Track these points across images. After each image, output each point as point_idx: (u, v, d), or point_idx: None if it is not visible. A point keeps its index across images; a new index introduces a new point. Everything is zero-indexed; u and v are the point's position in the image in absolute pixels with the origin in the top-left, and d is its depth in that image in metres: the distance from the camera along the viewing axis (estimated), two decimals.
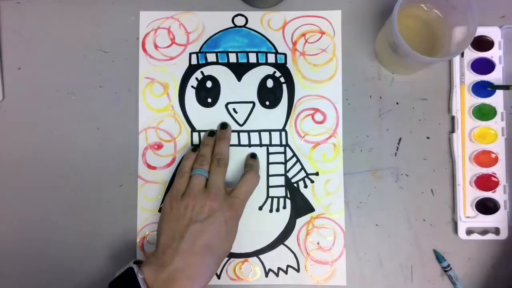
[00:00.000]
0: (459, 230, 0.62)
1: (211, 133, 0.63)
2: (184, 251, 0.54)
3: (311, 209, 0.63)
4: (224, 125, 0.63)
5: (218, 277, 0.63)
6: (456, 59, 0.63)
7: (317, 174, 0.64)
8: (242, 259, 0.63)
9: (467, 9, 0.54)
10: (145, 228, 0.63)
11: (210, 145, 0.62)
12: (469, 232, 0.62)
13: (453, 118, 0.63)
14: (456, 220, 0.62)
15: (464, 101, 0.62)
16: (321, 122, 0.64)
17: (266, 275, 0.63)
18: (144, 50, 0.64)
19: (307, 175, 0.64)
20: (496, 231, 0.62)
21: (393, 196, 0.63)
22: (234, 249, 0.62)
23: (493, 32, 0.62)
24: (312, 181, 0.64)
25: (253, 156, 0.63)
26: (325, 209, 0.63)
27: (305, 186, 0.64)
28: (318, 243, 0.63)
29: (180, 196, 0.58)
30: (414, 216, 0.63)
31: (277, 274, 0.63)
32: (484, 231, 0.62)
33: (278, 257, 0.63)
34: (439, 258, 0.62)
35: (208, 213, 0.56)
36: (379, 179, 0.63)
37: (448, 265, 0.61)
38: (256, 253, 0.63)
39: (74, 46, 0.65)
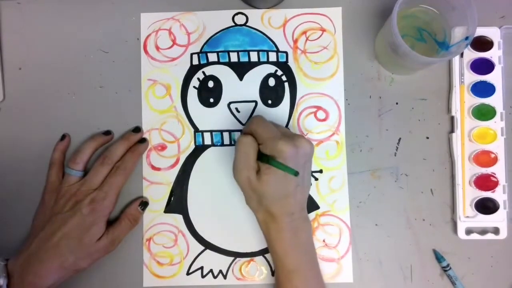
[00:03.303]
0: (459, 229, 0.62)
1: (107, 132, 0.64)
2: (42, 238, 0.57)
3: (316, 206, 0.64)
4: (137, 129, 0.64)
5: (225, 277, 0.63)
6: (456, 59, 0.63)
7: (321, 171, 0.64)
8: (248, 259, 0.63)
9: (466, 9, 0.54)
10: (151, 229, 0.64)
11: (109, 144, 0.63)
12: (468, 231, 0.62)
13: (452, 118, 0.63)
14: (455, 220, 0.62)
15: (463, 101, 0.62)
16: (323, 120, 0.64)
17: (273, 274, 0.63)
18: (146, 51, 0.64)
19: (311, 172, 0.64)
20: (496, 230, 0.62)
21: (393, 196, 0.64)
22: (240, 249, 0.63)
23: (492, 32, 0.63)
24: (316, 179, 0.64)
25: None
26: (330, 207, 0.64)
27: None
28: (323, 241, 0.63)
29: (54, 189, 0.61)
30: (413, 216, 0.63)
31: None
32: (483, 231, 0.62)
33: None
34: (438, 257, 0.62)
35: (71, 206, 0.58)
36: (378, 179, 0.64)
37: (448, 265, 0.62)
38: (262, 252, 0.63)
39: (74, 46, 0.65)
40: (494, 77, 0.62)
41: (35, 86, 0.65)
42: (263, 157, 0.54)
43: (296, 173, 0.54)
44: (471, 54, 0.63)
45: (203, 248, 0.63)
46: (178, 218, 0.64)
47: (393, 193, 0.64)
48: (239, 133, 0.64)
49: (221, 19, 0.65)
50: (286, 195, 0.54)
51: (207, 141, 0.64)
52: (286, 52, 0.65)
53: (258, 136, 0.55)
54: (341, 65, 0.64)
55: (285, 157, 0.53)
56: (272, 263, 0.63)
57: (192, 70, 0.64)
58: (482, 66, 0.62)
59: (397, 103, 0.64)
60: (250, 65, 0.64)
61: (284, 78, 0.64)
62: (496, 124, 0.62)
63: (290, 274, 0.55)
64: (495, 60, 0.62)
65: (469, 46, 0.60)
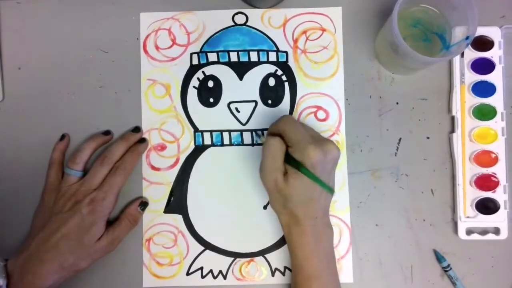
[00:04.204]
0: (459, 230, 0.62)
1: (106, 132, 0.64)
2: (41, 239, 0.57)
3: None
4: (136, 129, 0.64)
5: (225, 277, 0.63)
6: (456, 59, 0.63)
7: None
8: (248, 259, 0.63)
9: (467, 9, 0.54)
10: (151, 229, 0.63)
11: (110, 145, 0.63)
12: (469, 232, 0.62)
13: (453, 118, 0.63)
14: (456, 220, 0.62)
15: (464, 101, 0.62)
16: (323, 120, 0.64)
17: (273, 275, 0.63)
18: (145, 51, 0.64)
19: None
20: (496, 231, 0.62)
21: (393, 196, 0.63)
22: (240, 249, 0.63)
23: (493, 32, 0.63)
24: None
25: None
26: (330, 207, 0.63)
27: None
28: None
29: (53, 189, 0.61)
30: (414, 216, 0.63)
31: (283, 273, 0.63)
32: (484, 231, 0.62)
33: (284, 256, 0.63)
34: (439, 258, 0.62)
35: (70, 206, 0.58)
36: (379, 179, 0.63)
37: (448, 265, 0.62)
38: (262, 253, 0.63)
39: (74, 46, 0.65)
40: (495, 77, 0.62)
41: (35, 86, 0.64)
42: (291, 161, 0.54)
43: (331, 191, 0.53)
44: (471, 54, 0.62)
45: (203, 248, 0.63)
46: (177, 218, 0.64)
47: (393, 193, 0.63)
48: (238, 133, 0.64)
49: (221, 18, 0.65)
50: (311, 199, 0.54)
51: (207, 141, 0.64)
52: (286, 52, 0.64)
53: (287, 138, 0.55)
54: (341, 65, 0.64)
55: (313, 163, 0.52)
56: (271, 263, 0.63)
57: (192, 70, 0.64)
58: (483, 66, 0.62)
59: (397, 103, 0.64)
60: (250, 65, 0.64)
61: (284, 78, 0.64)
62: (497, 124, 0.62)
63: (310, 278, 0.55)
64: (495, 60, 0.62)
65: (469, 46, 0.60)
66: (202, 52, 0.64)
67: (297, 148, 0.53)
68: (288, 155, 0.55)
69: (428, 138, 0.64)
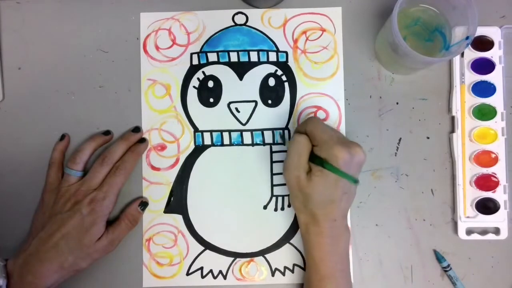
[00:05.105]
0: (459, 230, 0.62)
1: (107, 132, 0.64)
2: (41, 238, 0.57)
3: None
4: (136, 129, 0.64)
5: (225, 277, 0.63)
6: (456, 59, 0.63)
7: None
8: (248, 259, 0.63)
9: (467, 9, 0.54)
10: (151, 229, 0.63)
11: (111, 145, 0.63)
12: (469, 232, 0.62)
13: (453, 118, 0.63)
14: (456, 220, 0.62)
15: (464, 101, 0.62)
16: (323, 120, 0.64)
17: (273, 275, 0.63)
18: (146, 51, 0.64)
19: None
20: (496, 231, 0.62)
21: (393, 196, 0.63)
22: (240, 249, 0.63)
23: (493, 32, 0.62)
24: None
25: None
26: None
27: None
28: None
29: (53, 189, 0.61)
30: (414, 216, 0.63)
31: (283, 273, 0.63)
32: (484, 231, 0.62)
33: (284, 256, 0.63)
34: (439, 258, 0.62)
35: (70, 207, 0.58)
36: (379, 179, 0.63)
37: (448, 265, 0.61)
38: (262, 253, 0.63)
39: (74, 46, 0.65)
40: (495, 77, 0.62)
41: (35, 86, 0.64)
42: (316, 159, 0.54)
43: (355, 181, 0.53)
44: (471, 54, 0.62)
45: (203, 248, 0.63)
46: (177, 218, 0.64)
47: (393, 193, 0.63)
48: (238, 133, 0.64)
49: (221, 18, 0.65)
50: (331, 200, 0.54)
51: (207, 141, 0.64)
52: (286, 52, 0.64)
53: (314, 137, 0.55)
54: (341, 65, 0.64)
55: (339, 163, 0.52)
56: (272, 263, 0.63)
57: (192, 70, 0.64)
58: (483, 66, 0.62)
59: (397, 103, 0.64)
60: (250, 65, 0.64)
61: (284, 78, 0.64)
62: (497, 124, 0.62)
63: (324, 280, 0.55)
64: (495, 60, 0.62)
65: (469, 46, 0.60)
66: (202, 52, 0.64)
67: (324, 147, 0.53)
68: (313, 154, 0.55)
69: (428, 138, 0.64)
